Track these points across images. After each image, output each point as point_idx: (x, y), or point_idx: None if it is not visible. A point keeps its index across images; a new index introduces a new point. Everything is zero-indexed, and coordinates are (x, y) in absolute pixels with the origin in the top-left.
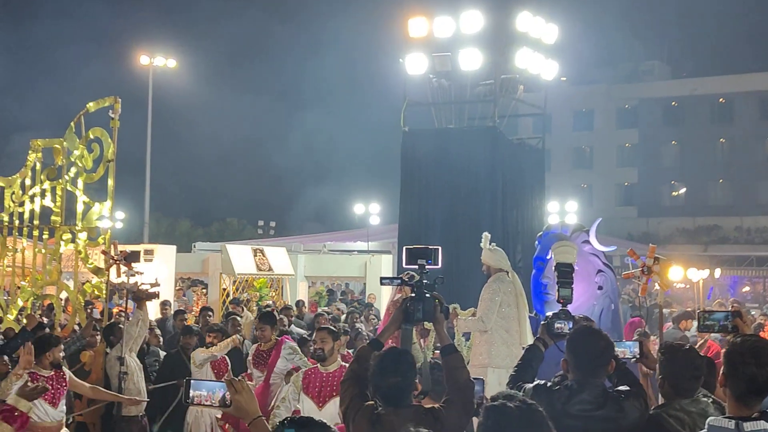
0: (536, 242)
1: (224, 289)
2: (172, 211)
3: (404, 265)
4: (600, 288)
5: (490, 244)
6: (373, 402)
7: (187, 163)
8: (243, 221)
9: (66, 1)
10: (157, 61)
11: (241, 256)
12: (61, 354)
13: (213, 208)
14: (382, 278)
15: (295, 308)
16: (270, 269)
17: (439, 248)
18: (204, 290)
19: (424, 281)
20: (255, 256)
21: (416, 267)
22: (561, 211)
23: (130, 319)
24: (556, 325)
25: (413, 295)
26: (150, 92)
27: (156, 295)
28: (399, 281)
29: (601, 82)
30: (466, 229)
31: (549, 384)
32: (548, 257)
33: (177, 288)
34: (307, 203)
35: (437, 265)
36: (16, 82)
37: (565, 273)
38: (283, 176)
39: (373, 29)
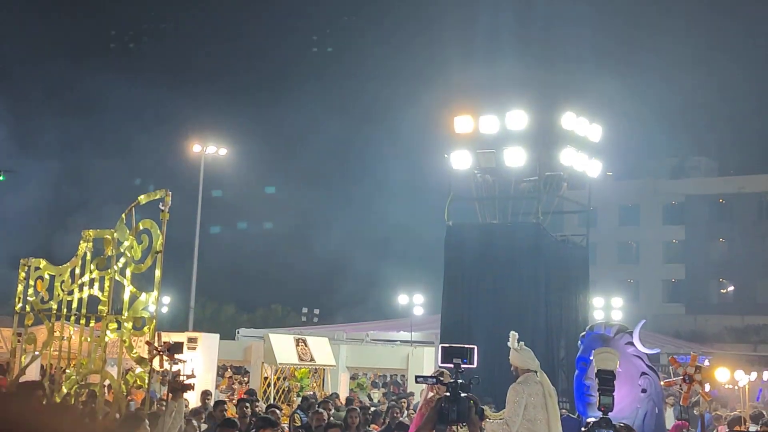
0: (579, 342)
1: (266, 378)
2: (218, 296)
3: (440, 364)
4: (644, 391)
5: (518, 343)
6: None
7: (234, 249)
8: (287, 308)
9: (122, 89)
10: (209, 149)
11: (283, 346)
12: None
13: (258, 294)
14: (417, 377)
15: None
16: (312, 359)
17: (475, 348)
18: (246, 378)
19: (460, 381)
20: (297, 345)
21: (452, 366)
22: (606, 306)
23: (165, 409)
24: None
25: (448, 394)
26: (201, 179)
27: (191, 387)
28: (434, 380)
29: (647, 176)
30: (509, 325)
31: None
32: (591, 358)
33: (228, 376)
34: (351, 292)
35: (473, 364)
36: (76, 168)
37: (606, 380)
38: (328, 264)
39: (419, 125)
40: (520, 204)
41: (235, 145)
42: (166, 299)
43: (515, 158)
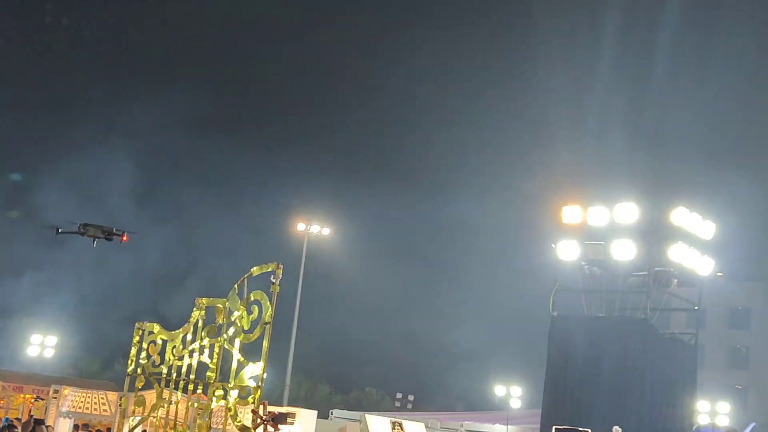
0: None
1: None
2: (313, 375)
3: None
4: None
5: None
6: None
7: (332, 329)
8: (381, 392)
9: (228, 174)
10: (312, 228)
11: (379, 428)
12: None
13: (353, 376)
14: (556, 428)
15: None
16: None
17: (589, 431)
18: None
19: None
20: (393, 429)
21: None
22: (712, 411)
23: None
24: None
25: None
26: (303, 258)
27: None
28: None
29: (759, 279)
30: (612, 421)
31: None
32: None
33: None
34: (447, 380)
35: None
36: (188, 236)
37: None
38: (426, 350)
39: (525, 214)
40: (628, 298)
41: (337, 226)
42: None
43: (624, 252)
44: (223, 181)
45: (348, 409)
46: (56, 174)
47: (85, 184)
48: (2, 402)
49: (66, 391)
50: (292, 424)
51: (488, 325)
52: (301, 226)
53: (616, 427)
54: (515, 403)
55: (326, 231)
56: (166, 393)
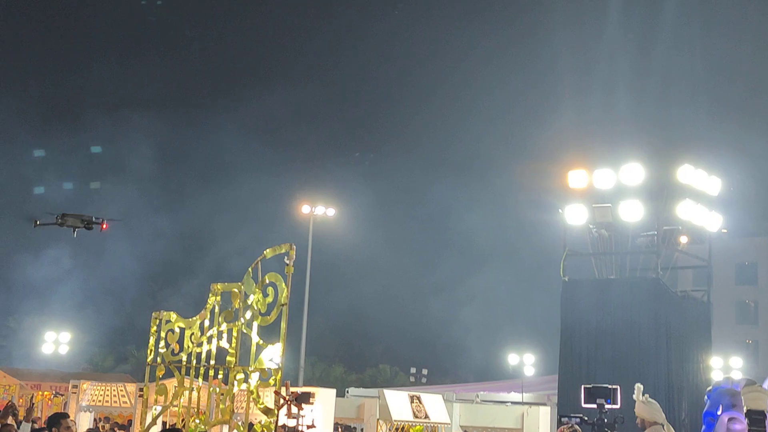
0: (705, 398)
1: None
2: (327, 356)
3: (582, 405)
4: None
5: (643, 395)
6: None
7: (343, 309)
8: (395, 368)
9: (242, 161)
10: (317, 210)
11: (398, 403)
12: None
13: (367, 354)
14: (561, 416)
15: None
16: (426, 417)
17: (618, 387)
18: None
19: (605, 420)
20: (412, 402)
21: (594, 407)
22: (725, 367)
23: None
24: None
25: None
26: (310, 240)
27: None
28: (578, 419)
29: (765, 234)
30: (629, 382)
31: None
32: (718, 413)
33: None
34: (460, 352)
35: (617, 404)
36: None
37: (757, 421)
38: (438, 324)
39: (531, 180)
40: (638, 259)
41: (343, 206)
42: (277, 359)
43: (632, 212)
44: (223, 167)
45: (364, 387)
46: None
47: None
48: (21, 401)
49: (85, 386)
50: (313, 403)
51: (498, 295)
52: (305, 208)
53: (638, 384)
54: (529, 371)
55: (331, 212)
56: (186, 381)
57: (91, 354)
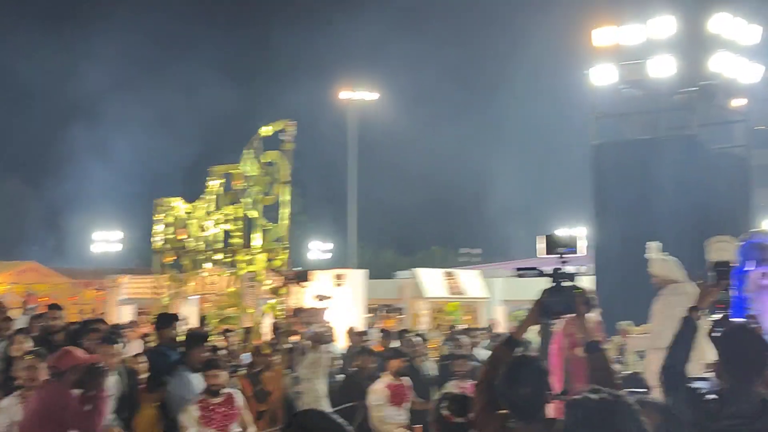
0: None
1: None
2: (378, 241)
3: (545, 255)
4: None
5: (661, 253)
6: (505, 412)
7: (393, 193)
8: (446, 249)
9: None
10: (360, 94)
11: (432, 280)
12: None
13: (417, 238)
14: (518, 269)
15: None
16: (462, 293)
17: (580, 234)
18: (400, 316)
19: (564, 270)
20: (447, 279)
21: (557, 256)
22: None
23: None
24: (714, 334)
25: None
26: (351, 124)
27: (329, 340)
28: (536, 271)
29: None
30: (667, 246)
31: (702, 390)
32: (747, 269)
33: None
34: (508, 229)
35: (577, 253)
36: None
37: (723, 273)
38: (485, 203)
39: (554, 41)
40: (673, 117)
41: (386, 89)
42: (329, 245)
43: (664, 68)
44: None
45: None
46: None
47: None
48: (74, 299)
49: (123, 280)
50: (340, 285)
51: (541, 170)
52: (345, 94)
53: (653, 243)
54: (581, 244)
55: (374, 96)
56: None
57: (141, 249)
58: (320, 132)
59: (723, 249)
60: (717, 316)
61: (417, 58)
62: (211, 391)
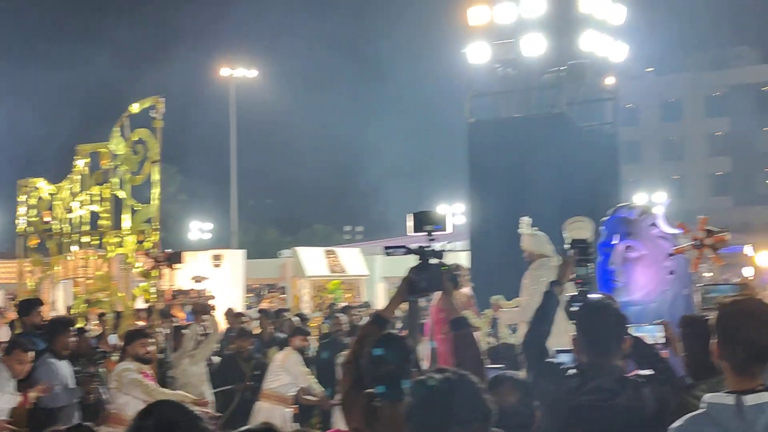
0: (601, 227)
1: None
2: (260, 220)
3: (413, 233)
4: (671, 273)
5: (531, 228)
6: (371, 391)
7: (273, 172)
8: (329, 227)
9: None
10: (240, 71)
11: (312, 259)
12: None
13: (300, 216)
14: (386, 247)
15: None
16: (343, 271)
17: (458, 210)
18: (282, 295)
19: (430, 248)
20: (327, 257)
21: (425, 234)
22: (650, 203)
23: (187, 333)
24: (572, 309)
25: (419, 263)
26: (231, 102)
27: (209, 309)
28: (404, 249)
29: (688, 70)
30: (538, 221)
31: (564, 366)
32: (613, 242)
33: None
34: (390, 206)
35: (445, 230)
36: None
37: (582, 250)
38: (366, 180)
39: (431, 20)
40: (545, 96)
41: (265, 66)
42: (209, 226)
43: (534, 47)
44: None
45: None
46: None
47: None
48: None
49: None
50: (218, 266)
51: (418, 147)
52: (225, 71)
53: (525, 218)
54: (459, 219)
55: (253, 73)
56: (64, 249)
57: (6, 233)
58: (202, 110)
59: (579, 228)
60: (574, 292)
61: (297, 35)
62: (144, 359)
